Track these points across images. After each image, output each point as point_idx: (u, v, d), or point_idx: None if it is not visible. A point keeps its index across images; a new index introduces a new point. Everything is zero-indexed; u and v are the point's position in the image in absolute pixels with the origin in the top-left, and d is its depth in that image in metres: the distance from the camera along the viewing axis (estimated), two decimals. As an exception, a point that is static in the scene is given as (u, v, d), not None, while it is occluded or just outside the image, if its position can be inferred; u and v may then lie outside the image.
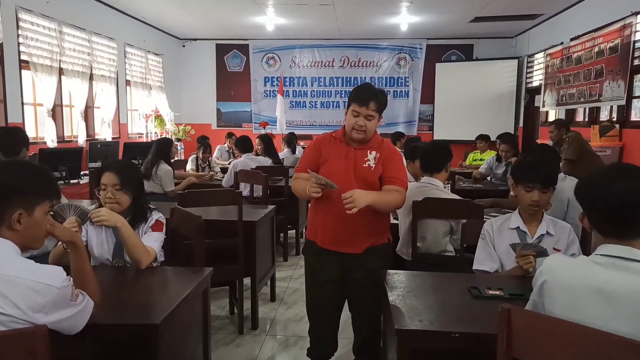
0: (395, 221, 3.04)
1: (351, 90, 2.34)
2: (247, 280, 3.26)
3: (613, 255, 1.25)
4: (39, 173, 1.49)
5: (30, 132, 5.55)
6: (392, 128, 9.01)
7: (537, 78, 8.26)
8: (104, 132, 7.07)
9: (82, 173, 5.30)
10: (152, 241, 2.16)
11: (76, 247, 1.58)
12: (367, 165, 2.27)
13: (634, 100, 5.45)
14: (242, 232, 3.08)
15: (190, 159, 5.73)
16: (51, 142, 5.64)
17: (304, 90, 10.08)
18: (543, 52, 7.82)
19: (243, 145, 5.19)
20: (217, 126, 10.18)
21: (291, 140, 6.92)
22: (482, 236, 2.26)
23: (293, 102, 10.09)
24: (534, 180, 2.12)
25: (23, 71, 5.37)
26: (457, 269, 2.54)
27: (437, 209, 2.82)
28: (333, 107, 10.00)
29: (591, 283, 1.23)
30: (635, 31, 5.24)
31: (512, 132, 8.41)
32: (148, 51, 8.40)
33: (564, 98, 6.94)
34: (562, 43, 7.07)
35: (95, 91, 6.88)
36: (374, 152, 2.29)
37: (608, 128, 5.64)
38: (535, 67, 8.38)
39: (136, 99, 8.20)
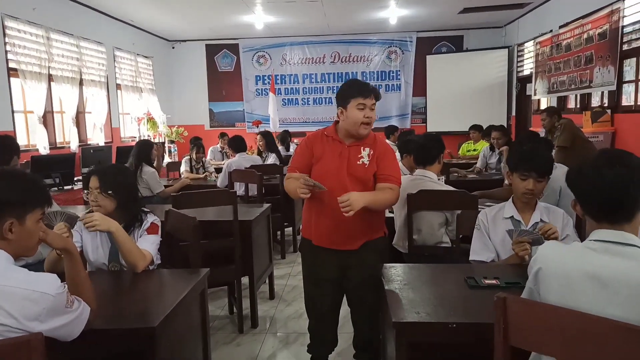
0: (391, 214, 3.04)
1: (343, 89, 2.29)
2: (245, 280, 3.25)
3: (606, 241, 1.26)
4: (29, 181, 1.48)
5: (21, 140, 5.53)
6: (385, 122, 9.01)
7: (527, 67, 8.28)
8: (97, 137, 7.04)
9: (75, 179, 5.28)
10: (147, 244, 2.15)
11: (70, 253, 1.57)
12: (360, 162, 2.26)
13: (625, 85, 5.47)
14: (238, 232, 3.07)
15: (183, 161, 5.71)
16: (43, 149, 5.61)
17: (295, 88, 10.06)
18: (533, 41, 7.83)
19: (236, 144, 5.18)
20: (210, 127, 10.16)
21: (285, 138, 6.92)
22: (477, 226, 2.27)
23: (285, 99, 10.07)
24: (530, 169, 2.13)
25: (12, 79, 5.33)
26: (453, 259, 2.56)
27: (432, 200, 2.83)
28: (325, 104, 9.99)
29: (585, 269, 1.23)
30: (623, 16, 5.26)
31: (505, 122, 8.45)
32: (137, 54, 8.36)
33: (555, 85, 6.96)
34: (551, 31, 7.08)
35: (86, 96, 6.85)
36: (367, 149, 2.28)
37: (600, 114, 5.66)
38: (526, 56, 8.39)
39: (127, 102, 8.17)
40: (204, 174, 5.51)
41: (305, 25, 8.85)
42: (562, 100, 7.06)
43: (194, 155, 5.60)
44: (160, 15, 7.69)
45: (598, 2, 5.71)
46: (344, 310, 2.50)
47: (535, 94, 7.76)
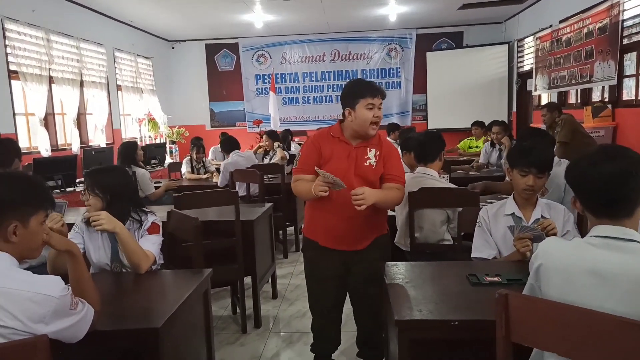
0: (392, 213, 3.05)
1: (350, 89, 2.28)
2: (248, 279, 3.26)
3: (606, 236, 1.26)
4: (32, 183, 1.49)
5: (23, 142, 5.55)
6: (386, 120, 8.99)
7: (528, 62, 8.27)
8: (98, 139, 7.05)
9: (77, 181, 5.29)
10: (149, 244, 2.16)
11: (73, 255, 1.58)
12: (368, 164, 2.27)
13: (625, 80, 5.46)
14: (240, 232, 3.08)
15: (184, 162, 5.72)
16: (45, 151, 5.63)
17: (296, 86, 10.06)
18: (533, 36, 7.81)
19: (228, 145, 5.23)
20: (211, 126, 10.17)
21: (285, 137, 6.92)
22: (479, 224, 2.27)
23: (286, 98, 10.07)
24: (529, 165, 2.14)
25: (13, 81, 5.34)
26: (455, 257, 2.56)
27: (433, 198, 2.83)
28: (326, 102, 9.98)
29: (586, 264, 1.24)
30: (623, 10, 5.25)
31: (506, 118, 8.44)
32: (137, 55, 8.37)
33: (556, 81, 6.95)
34: (551, 26, 7.07)
35: (87, 98, 6.86)
36: (374, 150, 2.29)
37: (600, 109, 5.65)
38: (526, 51, 8.38)
39: (128, 103, 8.18)
40: (206, 175, 5.52)
41: (304, 24, 8.85)
42: (563, 96, 7.05)
43: (194, 156, 5.61)
44: (160, 15, 7.69)
45: (598, -4, 5.71)
46: (347, 308, 2.51)
47: (535, 90, 7.75)
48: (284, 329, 3.26)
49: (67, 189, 4.96)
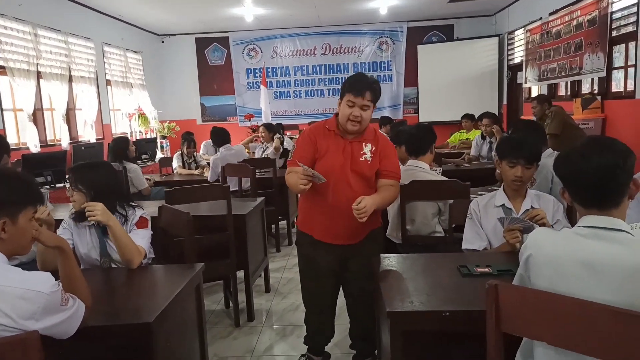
0: (384, 206, 3.06)
1: (344, 82, 2.30)
2: (240, 274, 3.27)
3: (595, 226, 1.27)
4: (20, 179, 1.47)
5: (12, 139, 5.49)
6: (377, 113, 8.97)
7: (518, 55, 8.30)
8: (88, 134, 6.99)
9: (67, 177, 5.24)
10: (139, 239, 2.15)
11: (63, 251, 1.57)
12: (363, 159, 2.27)
13: (614, 72, 5.50)
14: (232, 226, 3.08)
15: (175, 157, 5.69)
16: (34, 147, 5.57)
17: (287, 80, 10.02)
18: (523, 29, 7.84)
19: (220, 138, 5.18)
20: (202, 121, 10.12)
21: (277, 132, 6.91)
22: (469, 215, 2.29)
23: (277, 92, 10.04)
24: (517, 156, 2.16)
25: (0, 77, 5.27)
26: (446, 249, 2.58)
27: (424, 190, 2.85)
28: (317, 96, 9.96)
29: (575, 255, 1.25)
30: (612, 2, 5.27)
31: (497, 110, 8.47)
32: (127, 49, 8.29)
33: (546, 73, 6.99)
34: (541, 18, 7.10)
35: (76, 93, 6.79)
36: (369, 145, 2.28)
37: (590, 100, 5.69)
38: (516, 44, 8.41)
39: (118, 98, 8.10)
40: (197, 170, 5.49)
41: (295, 17, 8.80)
42: (553, 88, 7.09)
43: (185, 150, 5.59)
44: (149, 9, 7.61)
45: (587, -12, 5.73)
46: (340, 301, 2.52)
47: (526, 82, 7.79)
48: (277, 322, 3.27)
49: (57, 185, 4.92)
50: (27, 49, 5.61)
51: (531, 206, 2.16)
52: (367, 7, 8.23)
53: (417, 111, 9.74)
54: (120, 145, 4.66)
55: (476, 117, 6.55)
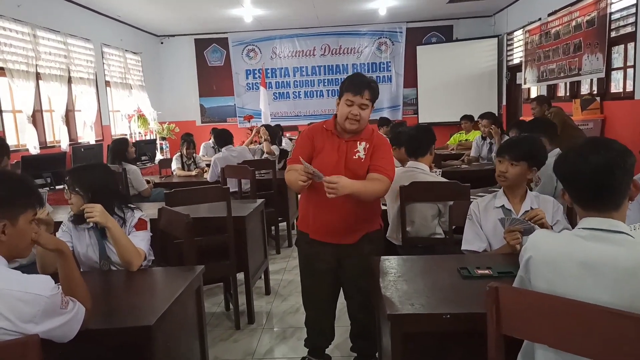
0: (385, 207, 3.06)
1: (343, 81, 2.32)
2: (240, 276, 3.26)
3: (594, 228, 1.27)
4: (20, 182, 1.48)
5: (11, 140, 5.48)
6: (377, 114, 8.99)
7: (517, 55, 8.31)
8: (87, 136, 6.99)
9: (65, 179, 5.24)
10: (138, 241, 2.14)
11: (63, 254, 1.57)
12: (357, 157, 2.28)
13: (613, 72, 5.51)
14: (232, 228, 3.07)
15: (174, 158, 5.69)
16: (33, 148, 5.57)
17: (286, 81, 10.02)
18: (522, 29, 7.84)
19: (222, 138, 5.19)
20: (202, 122, 10.12)
21: (276, 133, 6.91)
22: (469, 217, 2.29)
23: (276, 93, 10.04)
24: (504, 152, 2.21)
25: (-1, 78, 5.28)
26: (447, 250, 2.58)
27: (424, 192, 2.84)
28: (317, 97, 9.96)
29: (574, 256, 1.25)
30: (611, 3, 5.28)
31: (496, 111, 8.48)
32: (126, 50, 8.29)
33: (545, 74, 6.99)
34: (540, 19, 7.10)
35: (75, 94, 6.78)
36: (364, 143, 2.29)
37: (589, 101, 5.69)
38: (515, 45, 8.42)
39: (117, 99, 8.09)
40: (196, 171, 5.49)
41: (294, 18, 8.81)
42: (552, 89, 7.10)
43: (184, 152, 5.58)
44: (148, 9, 7.61)
45: (586, -11, 5.73)
46: (340, 303, 2.52)
47: (525, 83, 7.79)
48: (278, 324, 3.26)
49: (57, 187, 4.91)
50: (26, 50, 5.61)
51: (530, 207, 2.16)
52: (366, 8, 8.24)
53: (416, 112, 9.75)
54: (120, 147, 4.67)
55: (476, 118, 6.56)
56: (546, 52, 6.90)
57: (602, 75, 5.47)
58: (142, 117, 8.37)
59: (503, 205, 2.21)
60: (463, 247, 2.28)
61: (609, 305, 1.14)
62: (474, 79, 9.07)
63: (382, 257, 2.15)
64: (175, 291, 1.83)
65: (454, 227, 2.60)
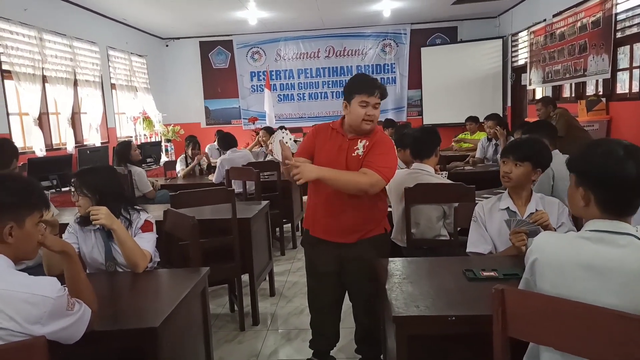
0: (390, 209, 3.05)
1: (349, 83, 2.30)
2: (245, 277, 3.26)
3: (600, 230, 1.27)
4: (26, 184, 1.49)
5: (17, 142, 5.49)
6: (381, 115, 8.76)
7: (522, 56, 8.28)
8: (93, 138, 7.02)
9: (71, 181, 5.26)
10: (144, 243, 2.16)
11: (68, 256, 1.58)
12: (355, 154, 2.28)
13: (619, 73, 5.48)
14: (237, 230, 3.08)
15: (179, 160, 5.71)
16: (40, 151, 5.60)
17: (291, 83, 10.03)
18: (527, 30, 7.82)
19: (226, 142, 5.24)
20: (206, 124, 10.15)
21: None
22: (474, 219, 2.28)
23: (281, 95, 10.05)
24: (508, 153, 2.21)
25: (6, 81, 5.30)
26: (451, 252, 2.58)
27: (429, 194, 2.84)
28: (321, 99, 9.96)
29: (580, 259, 1.25)
30: (617, 4, 5.26)
31: (501, 112, 8.46)
32: (131, 53, 8.33)
33: (550, 75, 6.97)
34: (544, 20, 7.08)
35: (81, 97, 6.82)
36: (364, 141, 2.29)
37: (595, 102, 5.67)
38: (520, 46, 8.39)
39: (122, 102, 8.13)
40: (195, 162, 5.50)
41: (298, 20, 8.82)
42: (557, 90, 7.07)
43: (189, 152, 5.59)
44: (153, 13, 7.65)
45: (591, -10, 5.71)
46: (346, 305, 2.51)
47: (530, 84, 7.77)
48: (282, 326, 3.26)
49: (63, 189, 4.94)
50: (32, 53, 5.64)
51: (535, 209, 2.16)
52: (370, 10, 8.24)
53: (421, 113, 9.73)
54: (123, 150, 4.73)
55: (481, 119, 6.55)
56: (551, 53, 6.87)
57: (608, 76, 5.44)
58: (147, 120, 8.41)
59: (508, 207, 2.21)
60: (468, 250, 2.27)
61: (616, 308, 1.13)
62: (478, 80, 9.05)
63: (387, 259, 2.15)
64: (180, 293, 1.83)
65: (459, 228, 2.59)
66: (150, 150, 7.57)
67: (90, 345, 1.48)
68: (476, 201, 2.54)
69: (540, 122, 4.14)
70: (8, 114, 5.32)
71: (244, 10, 7.75)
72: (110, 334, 1.57)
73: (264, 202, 3.69)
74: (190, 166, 5.47)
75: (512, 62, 8.71)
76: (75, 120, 6.74)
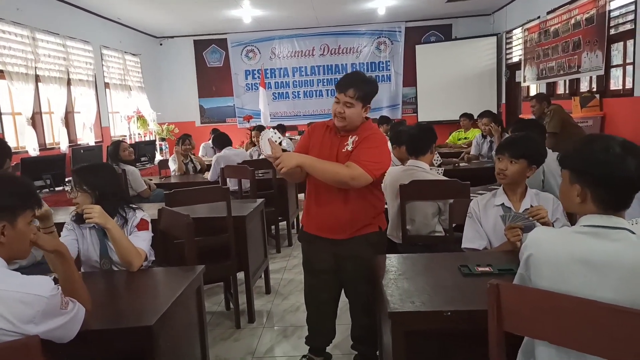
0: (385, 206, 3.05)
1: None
2: (240, 275, 3.26)
3: (595, 225, 1.27)
4: (18, 183, 1.48)
5: (10, 142, 5.46)
6: (376, 113, 8.98)
7: (516, 54, 8.30)
8: (86, 137, 6.99)
9: (66, 180, 5.23)
10: (139, 241, 2.15)
11: (62, 255, 1.57)
12: (345, 150, 2.28)
13: (612, 70, 5.51)
14: (233, 228, 3.07)
15: (171, 159, 5.69)
16: (33, 150, 5.56)
17: (285, 81, 10.02)
18: (521, 28, 7.84)
19: (221, 141, 5.26)
20: (201, 123, 10.12)
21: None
22: (469, 215, 2.29)
23: (276, 93, 10.03)
24: (503, 150, 2.21)
25: (-2, 81, 5.28)
26: (447, 248, 2.58)
27: (424, 190, 2.84)
28: (316, 97, 9.96)
29: (575, 253, 1.25)
30: (610, 1, 5.28)
31: (495, 109, 8.48)
32: (125, 52, 8.28)
33: (544, 72, 6.99)
34: (538, 17, 7.10)
35: (74, 96, 6.78)
36: (354, 137, 2.29)
37: (588, 99, 5.69)
38: (514, 43, 8.41)
39: (116, 101, 8.09)
40: (186, 152, 5.49)
41: (293, 18, 8.80)
42: (552, 86, 7.09)
43: (180, 149, 5.55)
44: (147, 11, 7.61)
45: (584, -13, 5.73)
46: (342, 302, 2.51)
47: (524, 81, 7.79)
48: (278, 323, 3.26)
49: (57, 189, 4.91)
50: (25, 52, 5.60)
51: (530, 205, 2.16)
52: (365, 8, 8.23)
53: (415, 111, 9.74)
54: (113, 150, 4.76)
55: (475, 116, 6.56)
56: (545, 50, 6.89)
57: (602, 72, 5.47)
58: (141, 118, 8.37)
59: (503, 204, 2.21)
60: (463, 245, 2.28)
61: (612, 303, 1.14)
62: (473, 77, 9.07)
63: (383, 255, 2.15)
64: (175, 291, 1.82)
65: (454, 225, 2.60)
66: (145, 149, 7.53)
67: (85, 344, 1.47)
68: (471, 197, 2.54)
69: (530, 120, 4.16)
70: (1, 114, 5.29)
71: (238, 9, 7.73)
72: (105, 332, 1.56)
73: (259, 200, 3.68)
74: (180, 162, 5.45)
75: (507, 59, 8.73)
76: (68, 120, 6.71)
